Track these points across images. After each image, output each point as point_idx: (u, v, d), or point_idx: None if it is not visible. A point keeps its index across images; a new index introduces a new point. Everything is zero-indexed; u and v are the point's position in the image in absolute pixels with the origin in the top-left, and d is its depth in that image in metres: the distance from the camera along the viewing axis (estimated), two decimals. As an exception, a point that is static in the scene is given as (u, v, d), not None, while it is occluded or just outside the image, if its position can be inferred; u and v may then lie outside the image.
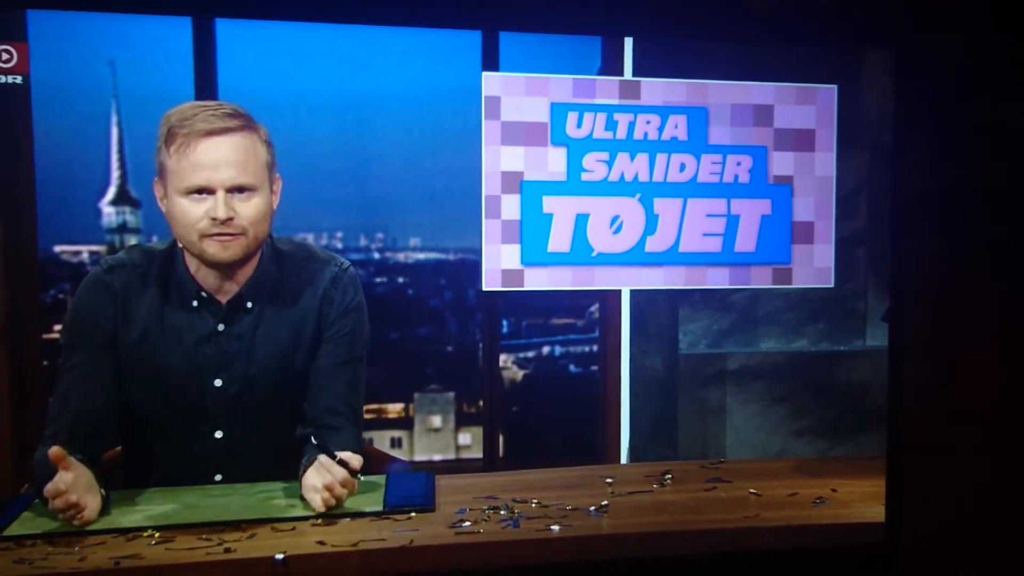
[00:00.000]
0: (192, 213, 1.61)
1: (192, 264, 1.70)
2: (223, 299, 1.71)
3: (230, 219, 1.61)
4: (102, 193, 3.35)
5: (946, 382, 1.04)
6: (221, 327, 1.71)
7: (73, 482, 1.46)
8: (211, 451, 1.73)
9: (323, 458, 1.56)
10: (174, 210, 1.63)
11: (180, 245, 1.70)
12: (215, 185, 1.60)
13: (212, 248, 1.63)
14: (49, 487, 1.45)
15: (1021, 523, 1.02)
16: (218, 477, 1.74)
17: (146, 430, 1.74)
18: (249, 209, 1.64)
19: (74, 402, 1.66)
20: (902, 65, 1.05)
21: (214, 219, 1.61)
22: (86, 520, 1.48)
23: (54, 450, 1.45)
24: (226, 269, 1.69)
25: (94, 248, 3.32)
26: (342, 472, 1.54)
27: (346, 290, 1.79)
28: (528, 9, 1.66)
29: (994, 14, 1.01)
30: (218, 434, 1.73)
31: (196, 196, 1.61)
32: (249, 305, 1.73)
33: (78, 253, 3.32)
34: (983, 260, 1.03)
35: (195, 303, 1.71)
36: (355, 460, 1.56)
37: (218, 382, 1.71)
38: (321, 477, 1.55)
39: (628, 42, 2.95)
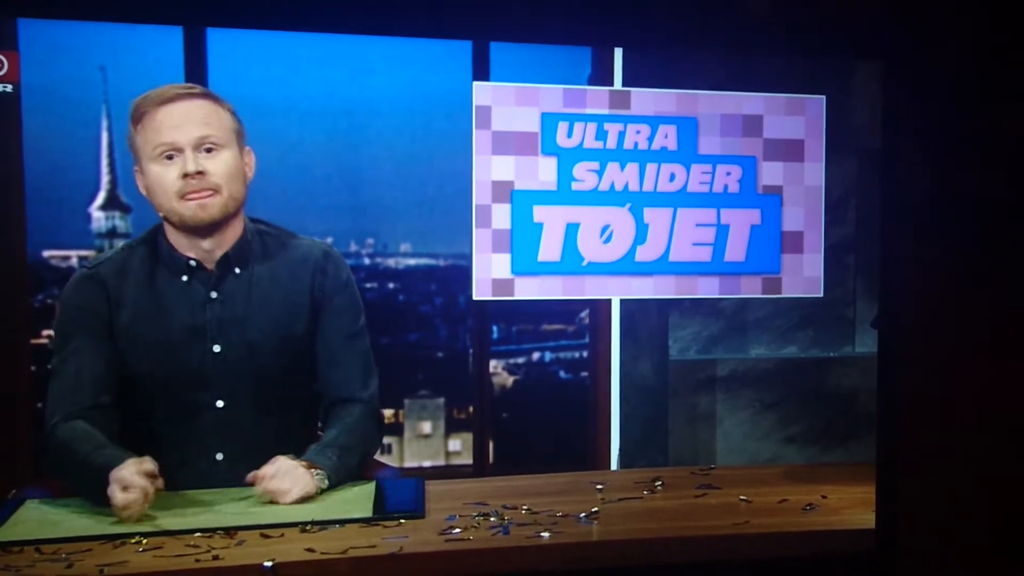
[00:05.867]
0: (166, 176, 1.66)
1: (174, 238, 1.73)
2: (211, 265, 1.74)
3: (201, 173, 1.66)
4: (92, 198, 3.34)
5: (937, 388, 1.04)
6: (214, 294, 1.74)
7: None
8: (213, 423, 1.74)
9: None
10: (150, 180, 1.68)
11: (163, 223, 1.73)
12: (181, 143, 1.66)
13: (190, 210, 1.67)
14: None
15: (1015, 529, 1.02)
16: (219, 456, 1.74)
17: (150, 406, 1.74)
18: (219, 165, 1.68)
19: (88, 376, 1.68)
20: (891, 70, 1.05)
21: (186, 175, 1.65)
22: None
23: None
24: (207, 232, 1.71)
25: (83, 253, 3.30)
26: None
27: (338, 264, 1.84)
28: (518, 19, 1.67)
29: (985, 20, 1.01)
30: (220, 403, 1.74)
31: (166, 160, 1.66)
32: (237, 271, 1.75)
33: (67, 258, 3.30)
34: (975, 266, 1.03)
35: (185, 277, 1.73)
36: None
37: (217, 348, 1.73)
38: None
39: (618, 52, 2.97)
